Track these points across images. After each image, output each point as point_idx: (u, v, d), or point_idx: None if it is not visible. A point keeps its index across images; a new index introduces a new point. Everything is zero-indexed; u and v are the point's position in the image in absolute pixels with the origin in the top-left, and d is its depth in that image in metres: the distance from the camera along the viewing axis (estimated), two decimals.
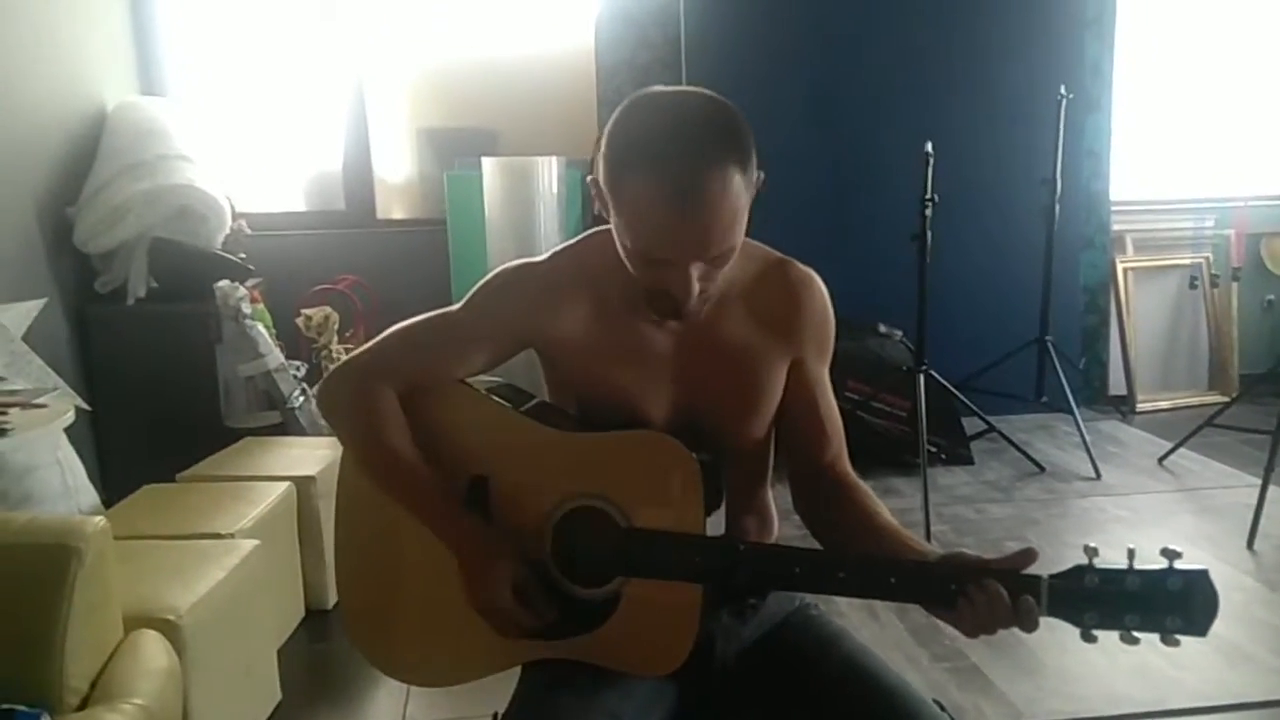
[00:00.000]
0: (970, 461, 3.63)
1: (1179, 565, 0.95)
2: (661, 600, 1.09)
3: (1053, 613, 0.98)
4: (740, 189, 1.01)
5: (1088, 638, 0.98)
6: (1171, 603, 0.95)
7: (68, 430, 2.29)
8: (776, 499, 1.31)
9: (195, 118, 3.48)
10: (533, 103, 4.04)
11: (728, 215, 1.00)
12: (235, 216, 3.39)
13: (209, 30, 3.86)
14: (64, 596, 1.39)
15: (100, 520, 1.48)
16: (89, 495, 2.32)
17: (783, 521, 1.31)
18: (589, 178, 1.10)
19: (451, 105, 4.10)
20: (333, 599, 2.53)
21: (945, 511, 3.16)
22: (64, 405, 2.29)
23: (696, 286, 1.04)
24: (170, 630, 1.65)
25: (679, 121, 1.01)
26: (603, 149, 1.05)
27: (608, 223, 1.10)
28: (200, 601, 1.77)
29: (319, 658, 2.40)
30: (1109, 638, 0.97)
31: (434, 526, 1.16)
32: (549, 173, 3.48)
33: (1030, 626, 0.97)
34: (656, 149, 0.99)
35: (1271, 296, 4.61)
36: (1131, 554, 0.97)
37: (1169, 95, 4.43)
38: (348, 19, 3.90)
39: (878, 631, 2.37)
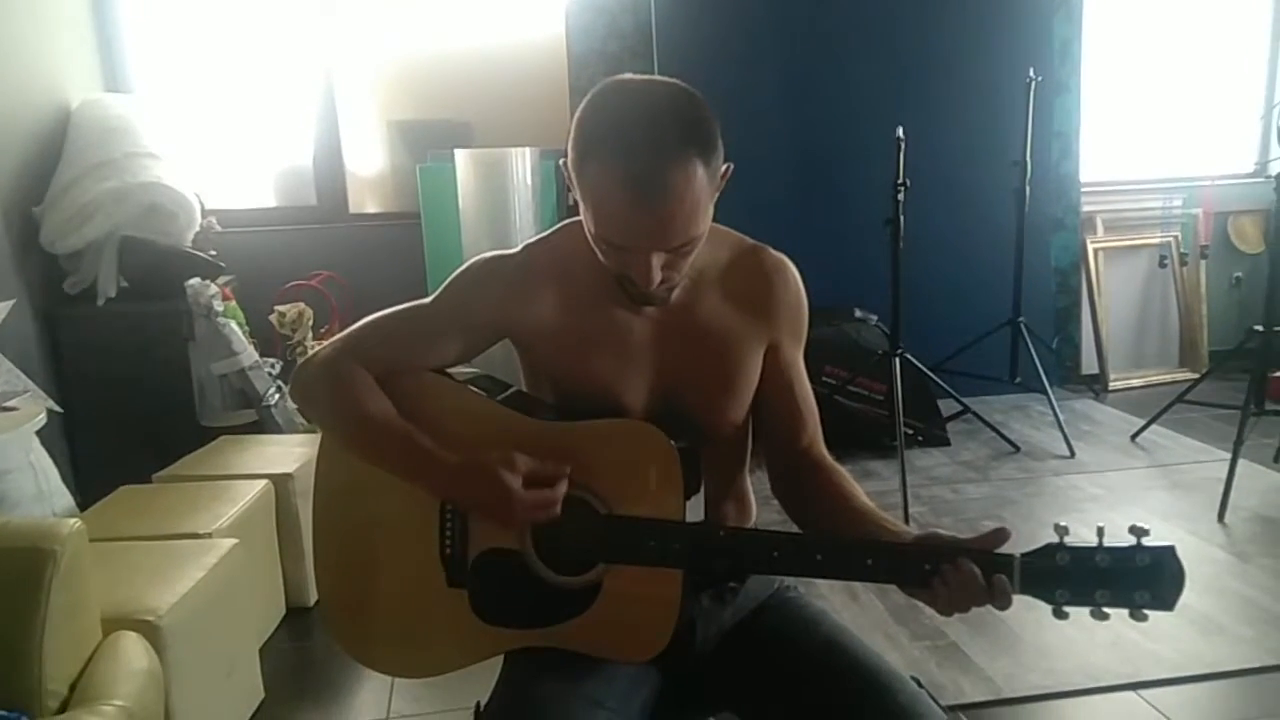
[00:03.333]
0: (946, 443, 3.66)
1: (1147, 542, 0.97)
2: (642, 587, 1.10)
3: (1025, 590, 0.99)
4: (703, 181, 1.01)
5: (1060, 614, 1.00)
6: (1140, 578, 0.97)
7: (40, 433, 2.27)
8: (755, 484, 1.32)
9: (162, 114, 3.42)
10: (505, 93, 4.02)
11: (688, 207, 1.01)
12: (205, 213, 3.35)
13: (174, 25, 3.80)
14: (40, 600, 1.38)
15: (75, 522, 1.47)
16: (63, 498, 2.30)
17: (761, 506, 1.32)
18: (561, 160, 1.10)
19: (422, 97, 4.07)
20: (313, 596, 2.52)
21: (923, 493, 3.19)
22: (35, 408, 2.27)
23: (658, 275, 1.05)
24: (150, 631, 1.64)
25: (643, 111, 1.01)
26: (572, 133, 1.06)
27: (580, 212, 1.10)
28: (180, 602, 1.76)
29: (301, 655, 2.39)
30: (1081, 614, 0.99)
31: (429, 480, 1.14)
32: (523, 163, 3.46)
33: (1004, 604, 0.99)
34: (619, 138, 1.00)
35: (1239, 274, 4.67)
36: (1101, 532, 0.99)
37: (1136, 77, 4.47)
38: (316, 11, 3.85)
39: (858, 612, 2.40)
